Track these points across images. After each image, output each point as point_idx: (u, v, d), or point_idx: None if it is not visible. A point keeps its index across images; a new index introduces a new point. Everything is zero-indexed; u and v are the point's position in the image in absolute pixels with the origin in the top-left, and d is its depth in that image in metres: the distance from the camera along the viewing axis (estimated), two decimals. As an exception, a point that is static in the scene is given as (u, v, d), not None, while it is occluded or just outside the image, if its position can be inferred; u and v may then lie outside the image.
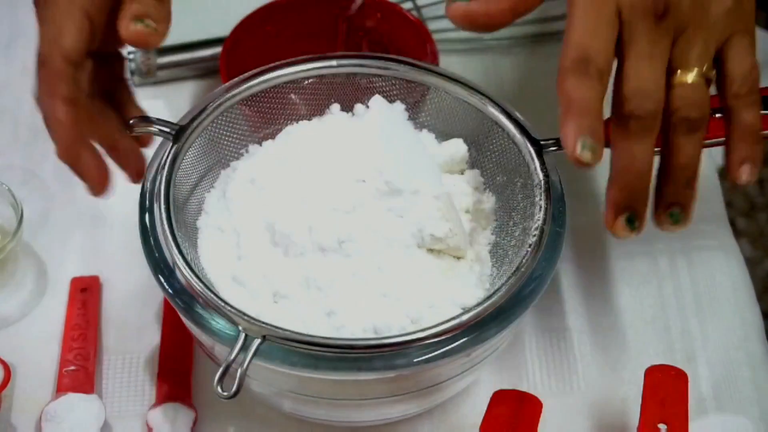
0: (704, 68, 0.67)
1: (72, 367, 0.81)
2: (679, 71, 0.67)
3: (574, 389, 0.81)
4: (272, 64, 0.79)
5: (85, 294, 0.86)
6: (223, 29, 0.95)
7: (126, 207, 0.92)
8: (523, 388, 0.80)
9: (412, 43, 0.94)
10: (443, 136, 0.80)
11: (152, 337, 0.84)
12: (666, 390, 0.73)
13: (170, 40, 0.87)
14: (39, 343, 0.84)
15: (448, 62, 0.82)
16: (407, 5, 1.01)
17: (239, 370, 0.65)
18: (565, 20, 0.68)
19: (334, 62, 0.79)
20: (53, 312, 0.85)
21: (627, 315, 0.85)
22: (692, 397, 0.76)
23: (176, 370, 0.81)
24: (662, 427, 0.71)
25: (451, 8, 0.71)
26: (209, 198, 0.76)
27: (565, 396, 0.81)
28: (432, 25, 1.01)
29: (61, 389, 0.80)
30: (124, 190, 0.93)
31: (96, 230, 0.90)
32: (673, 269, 0.87)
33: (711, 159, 0.94)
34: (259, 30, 0.96)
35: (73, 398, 0.79)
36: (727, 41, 0.68)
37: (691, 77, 0.67)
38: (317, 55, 0.79)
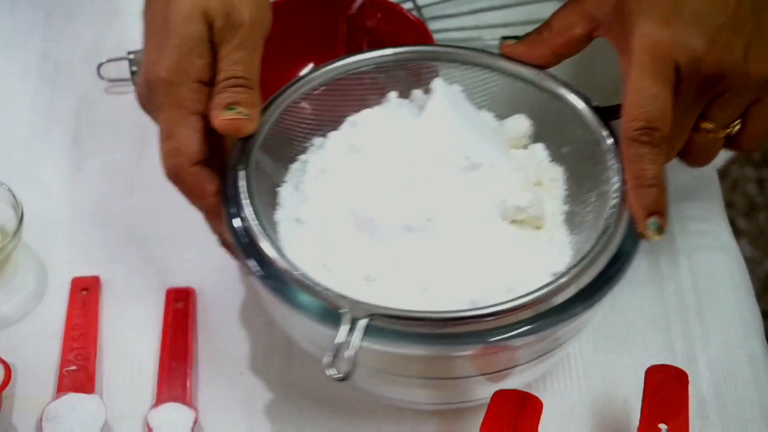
0: (729, 126, 0.75)
1: (72, 367, 0.81)
2: (708, 122, 0.74)
3: (574, 389, 0.81)
4: (329, 61, 0.81)
5: (85, 294, 0.86)
6: (223, 29, 0.95)
7: (126, 207, 0.92)
8: (524, 388, 0.80)
9: (412, 43, 0.93)
10: (502, 113, 0.81)
11: (152, 337, 0.84)
12: (666, 390, 0.73)
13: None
14: (39, 343, 0.84)
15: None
16: (407, 5, 1.01)
17: (349, 352, 0.66)
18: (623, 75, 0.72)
19: (389, 51, 0.81)
20: (53, 312, 0.85)
21: (627, 315, 0.85)
22: (693, 397, 0.76)
23: (176, 370, 0.81)
24: (663, 427, 0.71)
25: (501, 46, 0.80)
26: (283, 192, 0.77)
27: (565, 396, 0.81)
28: (432, 25, 1.01)
29: (61, 389, 0.80)
30: (124, 190, 0.94)
31: (96, 230, 0.90)
32: (673, 269, 0.87)
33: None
34: (259, 30, 0.96)
35: (73, 398, 0.79)
36: (757, 100, 0.74)
37: (715, 130, 0.75)
38: (373, 48, 0.82)
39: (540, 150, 0.80)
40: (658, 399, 0.72)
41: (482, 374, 0.73)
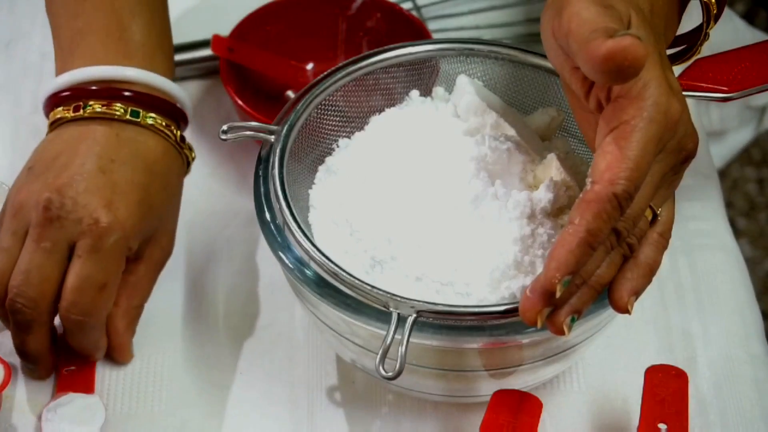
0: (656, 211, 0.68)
1: (72, 367, 0.81)
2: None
3: (574, 389, 0.81)
4: (351, 58, 0.80)
5: (85, 294, 0.85)
6: (223, 29, 0.95)
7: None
8: (523, 388, 0.80)
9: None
10: (526, 107, 0.81)
11: (152, 337, 0.84)
12: (666, 390, 0.73)
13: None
14: (39, 343, 0.84)
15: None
16: (407, 5, 1.01)
17: (399, 350, 0.66)
18: None
19: (410, 49, 0.81)
20: (53, 312, 0.85)
21: (627, 315, 0.85)
22: (692, 397, 0.76)
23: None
24: (662, 427, 0.71)
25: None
26: (313, 194, 0.77)
27: (565, 396, 0.81)
28: (431, 25, 1.01)
29: (61, 389, 0.80)
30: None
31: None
32: (673, 269, 0.87)
33: (709, 158, 0.94)
34: (259, 30, 0.96)
35: (73, 398, 0.79)
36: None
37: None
38: (397, 44, 0.81)
39: (564, 143, 0.79)
40: (658, 399, 0.72)
41: (513, 366, 0.74)
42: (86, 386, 0.80)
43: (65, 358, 0.81)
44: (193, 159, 0.84)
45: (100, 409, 0.78)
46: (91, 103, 0.79)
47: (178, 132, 0.82)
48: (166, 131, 0.81)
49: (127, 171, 0.78)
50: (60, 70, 0.82)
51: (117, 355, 0.81)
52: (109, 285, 0.77)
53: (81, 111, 0.79)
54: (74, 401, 0.78)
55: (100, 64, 0.80)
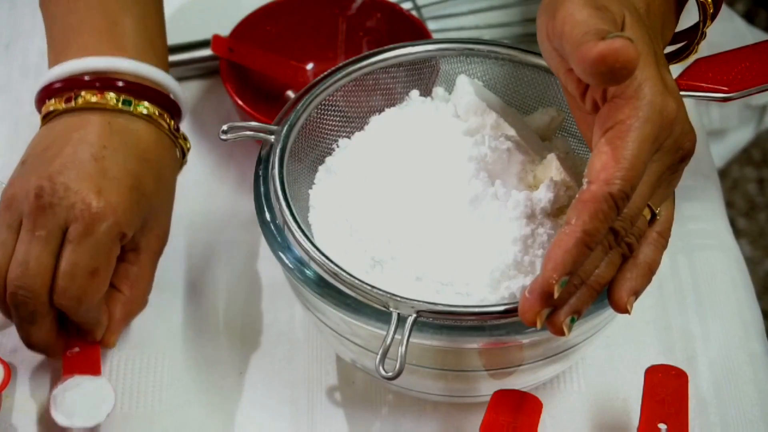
0: (656, 211, 0.68)
1: (76, 349, 0.80)
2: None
3: (574, 389, 0.81)
4: (351, 59, 0.80)
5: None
6: (223, 29, 0.95)
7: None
8: (523, 388, 0.80)
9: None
10: (526, 107, 0.81)
11: (152, 337, 0.84)
12: (666, 390, 0.73)
13: (170, 40, 0.87)
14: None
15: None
16: (407, 5, 1.01)
17: (399, 349, 0.66)
18: None
19: (410, 49, 0.81)
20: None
21: (627, 315, 0.85)
22: (692, 397, 0.76)
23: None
24: (662, 427, 0.71)
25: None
26: (313, 194, 0.77)
27: (565, 396, 0.81)
28: (432, 25, 1.01)
29: (67, 372, 0.78)
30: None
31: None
32: (673, 269, 0.87)
33: (709, 158, 0.94)
34: (259, 30, 0.96)
35: (80, 381, 0.77)
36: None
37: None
38: (397, 44, 0.81)
39: (564, 143, 0.79)
40: (657, 399, 0.72)
41: (513, 366, 0.74)
42: (92, 367, 0.79)
43: (68, 340, 0.80)
44: (188, 149, 0.84)
45: (109, 391, 0.77)
46: (83, 93, 0.79)
47: (172, 121, 0.82)
48: (159, 120, 0.81)
49: (119, 158, 0.78)
50: (52, 64, 0.82)
51: (104, 336, 0.80)
52: (100, 270, 0.76)
53: (73, 102, 0.79)
54: (82, 384, 0.77)
55: (92, 56, 0.80)
